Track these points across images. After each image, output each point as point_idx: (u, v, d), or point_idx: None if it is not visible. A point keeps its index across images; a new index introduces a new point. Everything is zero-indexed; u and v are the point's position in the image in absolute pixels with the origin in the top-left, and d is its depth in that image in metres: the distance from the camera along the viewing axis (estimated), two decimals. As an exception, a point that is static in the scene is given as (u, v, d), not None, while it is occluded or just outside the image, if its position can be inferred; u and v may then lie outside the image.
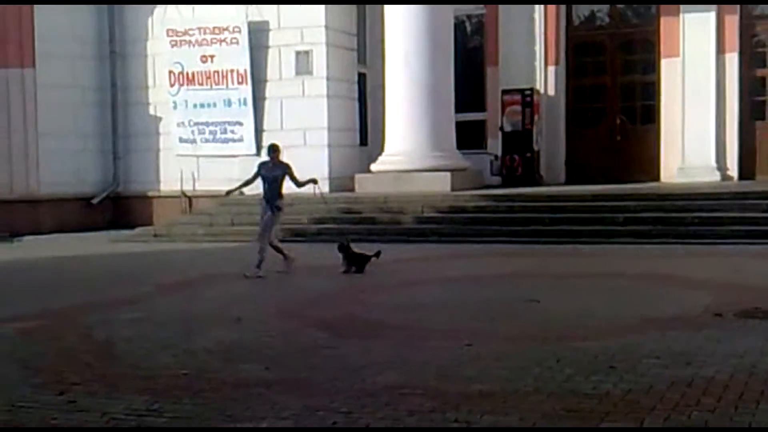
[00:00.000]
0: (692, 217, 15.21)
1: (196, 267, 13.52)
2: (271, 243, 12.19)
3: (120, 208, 21.00)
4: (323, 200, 14.05)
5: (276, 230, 12.60)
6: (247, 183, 12.68)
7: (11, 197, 19.75)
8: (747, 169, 19.38)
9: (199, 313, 9.52)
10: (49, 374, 6.83)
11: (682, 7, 19.38)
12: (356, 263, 11.91)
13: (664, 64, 19.86)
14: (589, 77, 21.01)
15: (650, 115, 20.40)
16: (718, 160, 19.28)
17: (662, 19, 19.90)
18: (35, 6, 19.79)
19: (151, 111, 20.85)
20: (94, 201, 20.77)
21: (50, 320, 9.27)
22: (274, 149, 12.46)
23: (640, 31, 20.68)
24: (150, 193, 20.82)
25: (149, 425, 5.48)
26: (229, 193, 13.03)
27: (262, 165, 12.51)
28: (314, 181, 12.67)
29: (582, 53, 21.05)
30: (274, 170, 12.25)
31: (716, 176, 19.04)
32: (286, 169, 12.31)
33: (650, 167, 19.85)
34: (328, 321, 8.79)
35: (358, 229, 16.32)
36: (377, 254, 12.04)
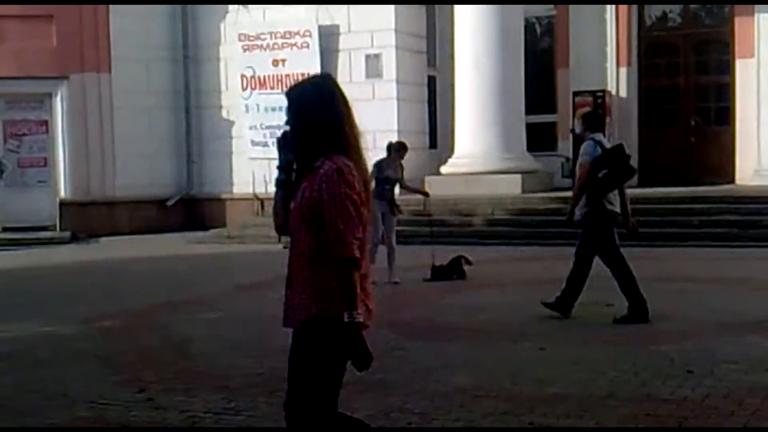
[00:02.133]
0: (768, 220, 14.94)
1: (270, 268, 13.50)
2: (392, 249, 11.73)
3: (194, 210, 21.29)
4: (429, 215, 13.63)
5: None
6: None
7: (88, 199, 20.15)
8: (824, 172, 18.97)
9: (275, 313, 9.53)
10: (128, 372, 6.98)
11: (756, 6, 19.03)
12: (453, 272, 11.64)
13: (739, 64, 19.52)
14: (662, 78, 20.73)
15: (725, 116, 20.06)
16: (794, 163, 18.89)
17: (736, 20, 19.56)
18: (111, 11, 20.16)
19: (224, 114, 21.11)
20: (169, 203, 21.09)
21: (129, 319, 9.47)
22: (405, 148, 11.95)
23: (713, 31, 20.35)
24: (223, 196, 21.07)
25: (226, 424, 5.57)
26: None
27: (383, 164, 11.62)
28: (425, 194, 12.85)
29: (655, 54, 20.78)
30: (398, 171, 11.74)
31: (793, 179, 18.66)
32: (402, 171, 11.90)
33: (725, 169, 19.52)
34: (401, 323, 8.81)
35: (428, 231, 16.31)
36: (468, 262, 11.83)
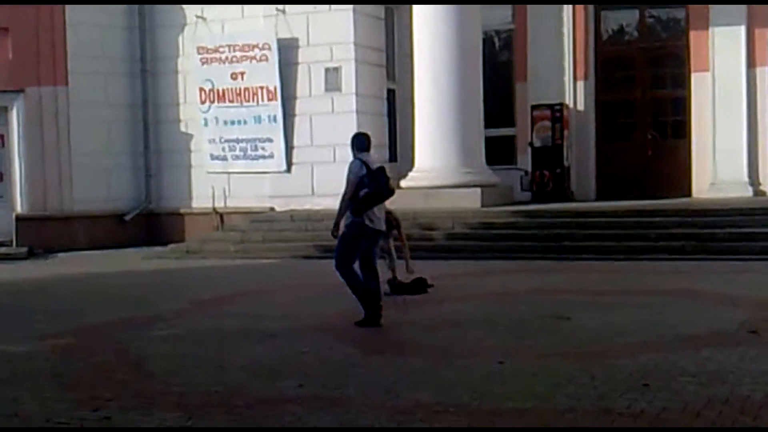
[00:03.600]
0: (724, 233, 15.09)
1: (229, 284, 13.58)
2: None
3: (152, 224, 21.13)
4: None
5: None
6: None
7: (45, 214, 19.92)
8: (779, 184, 19.26)
9: (233, 329, 9.57)
10: (84, 390, 6.89)
11: (711, 20, 19.29)
12: (414, 291, 11.58)
13: (694, 78, 19.77)
14: (618, 92, 20.93)
15: (681, 130, 20.30)
16: (750, 175, 19.14)
17: (691, 33, 19.82)
18: (67, 24, 19.97)
19: (183, 128, 20.98)
20: (127, 218, 20.91)
21: (85, 336, 9.35)
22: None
23: (669, 45, 20.60)
24: (182, 210, 20.94)
25: (184, 442, 5.52)
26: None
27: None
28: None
29: (611, 68, 20.99)
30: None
31: (748, 191, 18.90)
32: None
33: (682, 183, 19.74)
34: (361, 338, 8.80)
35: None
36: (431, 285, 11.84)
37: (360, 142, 9.65)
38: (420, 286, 11.70)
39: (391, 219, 11.32)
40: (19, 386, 7.11)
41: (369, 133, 10.44)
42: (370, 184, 9.22)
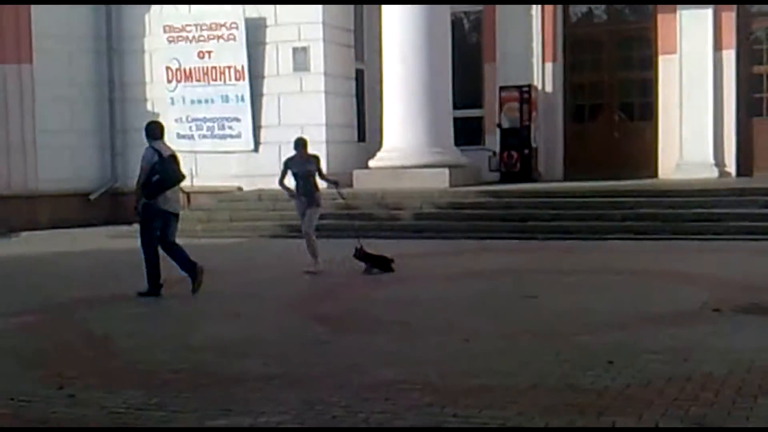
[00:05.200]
0: (690, 213, 15.23)
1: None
2: (310, 239, 11.84)
3: (118, 204, 20.93)
4: (343, 199, 13.55)
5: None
6: (282, 183, 12.14)
7: (9, 193, 19.73)
8: (744, 166, 19.42)
9: (198, 309, 9.55)
10: (48, 368, 6.84)
11: (678, 4, 19.39)
12: (377, 265, 11.58)
13: (661, 60, 19.89)
14: (586, 74, 21.02)
15: (648, 111, 20.42)
16: (715, 157, 19.30)
17: (659, 16, 19.92)
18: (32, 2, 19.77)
19: (149, 107, 20.82)
20: (92, 197, 20.76)
21: (49, 315, 9.29)
22: (303, 144, 12.07)
23: (636, 28, 20.69)
24: (147, 189, 20.77)
25: (147, 419, 5.49)
26: (289, 192, 12.12)
27: (290, 161, 12.04)
28: (336, 183, 12.42)
29: (579, 50, 21.06)
30: (306, 165, 11.93)
31: (714, 173, 19.06)
32: (317, 163, 12.07)
33: (648, 164, 19.87)
34: (328, 316, 8.81)
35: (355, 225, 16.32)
36: (391, 260, 11.69)
37: (153, 131, 10.26)
38: (384, 263, 11.65)
39: (316, 198, 11.95)
40: (-18, 364, 7.05)
41: (162, 122, 10.96)
42: (161, 171, 9.89)
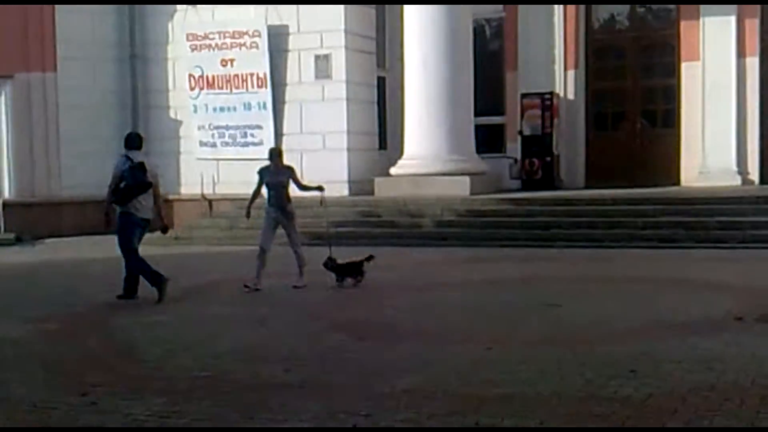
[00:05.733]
0: (712, 221, 15.13)
1: (218, 270, 13.56)
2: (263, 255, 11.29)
3: (141, 210, 21.04)
4: (324, 207, 12.26)
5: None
6: (255, 195, 11.79)
7: (33, 200, 19.86)
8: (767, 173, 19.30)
9: (221, 315, 9.57)
10: (71, 375, 6.88)
11: (702, 10, 19.30)
12: (349, 273, 11.09)
13: (685, 67, 19.79)
14: (609, 81, 20.93)
15: (670, 118, 20.32)
16: (738, 164, 19.17)
17: (682, 23, 19.83)
18: (56, 9, 19.90)
19: (172, 114, 20.92)
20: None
21: (73, 322, 9.35)
22: (278, 154, 11.75)
23: (660, 34, 20.60)
24: (170, 197, 20.78)
25: (170, 426, 5.51)
26: (248, 214, 11.78)
27: (264, 171, 11.55)
28: (320, 189, 11.72)
29: (602, 57, 21.00)
30: (279, 175, 11.46)
31: (737, 180, 18.94)
32: (291, 173, 11.58)
33: (670, 171, 19.77)
34: (348, 324, 8.81)
35: (377, 232, 16.35)
36: (369, 258, 11.15)
37: (131, 141, 10.84)
38: (355, 268, 11.13)
39: (289, 210, 11.49)
40: (7, 371, 7.10)
41: (142, 134, 11.72)
42: (128, 178, 10.34)
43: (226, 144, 20.20)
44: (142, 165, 10.47)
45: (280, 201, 11.46)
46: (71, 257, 15.79)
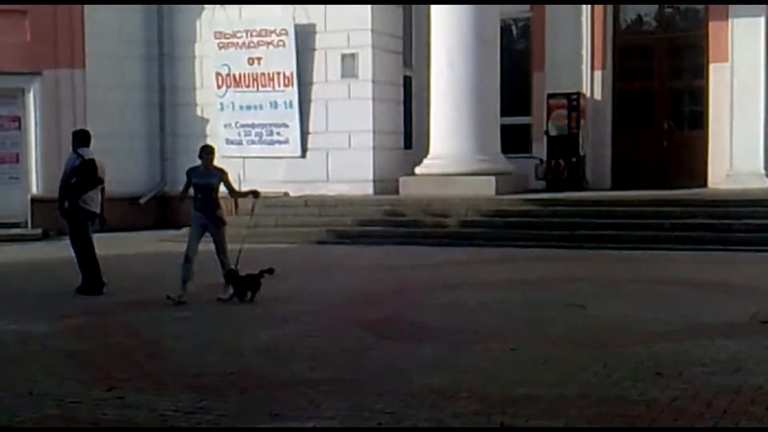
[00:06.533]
0: (740, 223, 15.04)
1: (243, 267, 13.57)
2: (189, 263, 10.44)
3: (167, 207, 21.11)
4: (251, 216, 11.92)
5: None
6: (182, 197, 11.35)
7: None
8: (796, 177, 19.15)
9: (246, 312, 9.60)
10: (97, 370, 6.93)
11: (730, 12, 19.16)
12: (246, 287, 10.12)
13: (713, 69, 19.66)
14: (636, 82, 20.84)
15: (698, 120, 20.19)
16: (766, 167, 19.03)
17: (710, 24, 19.70)
18: (85, 7, 20.02)
19: (198, 112, 21.01)
20: (142, 200, 20.95)
21: (99, 317, 9.41)
22: (208, 152, 10.72)
23: (688, 35, 20.47)
24: (196, 194, 20.94)
25: (196, 422, 5.54)
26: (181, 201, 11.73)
27: (192, 171, 10.67)
28: (255, 194, 11.19)
29: (629, 57, 20.89)
30: (207, 177, 10.50)
31: (765, 183, 18.77)
32: (222, 176, 10.58)
33: (697, 173, 19.65)
34: (374, 322, 8.82)
35: (401, 231, 16.36)
36: (269, 271, 10.23)
37: (82, 138, 11.24)
38: (252, 283, 10.17)
39: (219, 216, 10.62)
40: (34, 365, 7.17)
41: (90, 130, 11.79)
42: (78, 174, 10.84)
43: (252, 142, 20.25)
44: (92, 162, 10.94)
45: (208, 205, 10.50)
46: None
